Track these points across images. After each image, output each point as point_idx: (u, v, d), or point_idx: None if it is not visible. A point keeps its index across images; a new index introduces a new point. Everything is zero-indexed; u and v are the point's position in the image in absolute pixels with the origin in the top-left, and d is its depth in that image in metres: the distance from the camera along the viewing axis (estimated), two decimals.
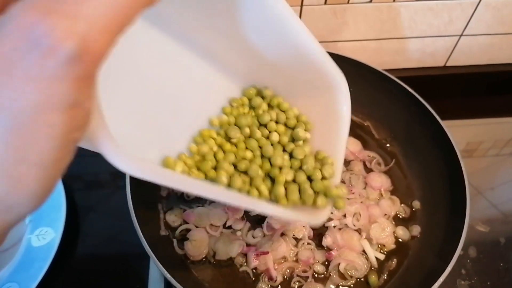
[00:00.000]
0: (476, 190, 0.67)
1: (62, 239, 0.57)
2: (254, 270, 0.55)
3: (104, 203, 0.67)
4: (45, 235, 0.58)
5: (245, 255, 0.56)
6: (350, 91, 0.73)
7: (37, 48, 0.16)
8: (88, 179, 0.70)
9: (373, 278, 0.55)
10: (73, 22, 0.16)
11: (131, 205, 0.52)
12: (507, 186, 0.72)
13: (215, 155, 0.38)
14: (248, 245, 0.57)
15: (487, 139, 0.80)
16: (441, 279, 0.47)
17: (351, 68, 0.71)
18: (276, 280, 0.54)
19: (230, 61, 0.40)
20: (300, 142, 0.42)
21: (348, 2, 0.70)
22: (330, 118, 0.41)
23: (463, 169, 0.57)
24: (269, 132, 0.42)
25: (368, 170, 0.67)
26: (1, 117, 0.16)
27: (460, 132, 0.80)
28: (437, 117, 0.63)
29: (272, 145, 0.41)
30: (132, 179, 0.53)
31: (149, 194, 0.60)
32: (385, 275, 0.56)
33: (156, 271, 0.55)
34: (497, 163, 0.76)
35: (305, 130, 0.42)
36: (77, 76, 0.16)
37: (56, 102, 0.16)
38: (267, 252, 0.56)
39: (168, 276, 0.47)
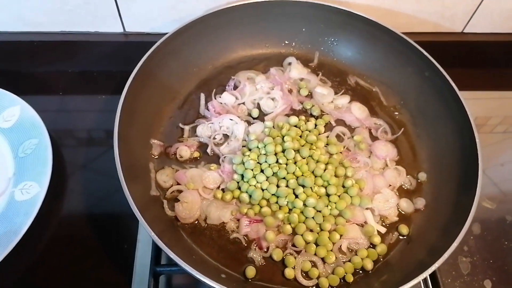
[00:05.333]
0: None
1: (47, 196, 0.54)
2: (245, 237, 0.53)
3: (95, 162, 0.63)
4: (29, 190, 0.55)
5: (238, 220, 0.54)
6: (360, 53, 0.70)
7: None
8: (80, 136, 0.66)
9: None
10: None
11: (118, 161, 0.48)
12: None
13: None
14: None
15: (497, 114, 0.75)
16: (445, 256, 0.45)
17: (363, 27, 0.66)
18: (267, 251, 0.52)
19: None
20: None
21: None
22: None
23: (478, 143, 0.53)
24: None
25: (374, 138, 0.63)
26: None
27: (471, 105, 0.75)
28: (454, 86, 0.58)
29: None
30: (120, 135, 0.50)
31: (139, 152, 0.57)
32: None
33: (145, 232, 0.52)
34: (504, 140, 0.72)
35: None
36: None
37: None
38: (261, 220, 0.53)
39: (156, 238, 0.44)
